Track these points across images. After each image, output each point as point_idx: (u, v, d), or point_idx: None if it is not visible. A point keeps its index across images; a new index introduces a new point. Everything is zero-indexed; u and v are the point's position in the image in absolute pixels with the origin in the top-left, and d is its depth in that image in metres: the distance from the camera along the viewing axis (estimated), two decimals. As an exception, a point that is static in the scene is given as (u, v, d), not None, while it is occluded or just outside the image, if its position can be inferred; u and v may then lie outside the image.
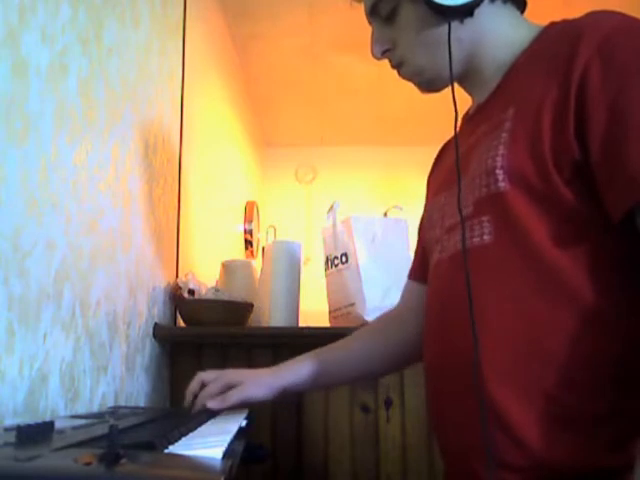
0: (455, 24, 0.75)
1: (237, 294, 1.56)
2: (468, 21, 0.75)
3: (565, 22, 0.73)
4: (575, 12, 0.71)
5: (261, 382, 0.95)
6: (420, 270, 0.93)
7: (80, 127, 0.99)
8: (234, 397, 0.92)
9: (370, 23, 0.84)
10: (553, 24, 0.75)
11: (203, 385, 0.95)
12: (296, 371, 0.97)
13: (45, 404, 0.85)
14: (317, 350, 1.00)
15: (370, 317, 1.50)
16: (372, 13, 0.82)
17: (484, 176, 0.71)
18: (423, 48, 0.78)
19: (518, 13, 0.80)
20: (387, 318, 1.02)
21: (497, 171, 0.69)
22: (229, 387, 0.93)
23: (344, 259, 1.58)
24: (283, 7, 2.40)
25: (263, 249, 1.86)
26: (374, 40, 0.82)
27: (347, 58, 2.62)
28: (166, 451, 0.50)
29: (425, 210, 0.91)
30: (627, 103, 0.62)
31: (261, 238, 3.06)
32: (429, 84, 0.83)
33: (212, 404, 0.90)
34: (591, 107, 0.63)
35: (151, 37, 1.43)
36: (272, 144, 3.72)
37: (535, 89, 0.69)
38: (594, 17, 0.68)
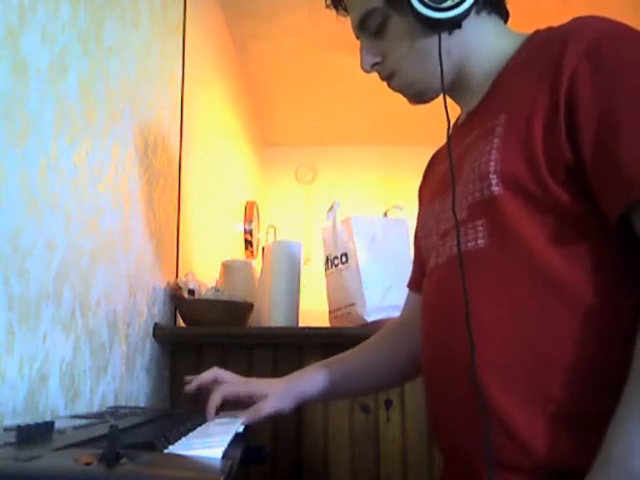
0: (444, 36, 0.76)
1: (237, 294, 1.56)
2: (456, 33, 0.77)
3: (550, 29, 0.74)
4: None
5: (282, 393, 0.93)
6: (420, 280, 0.93)
7: (80, 127, 0.99)
8: (267, 409, 0.90)
9: (358, 37, 0.85)
10: (538, 32, 0.77)
11: (216, 381, 0.93)
12: (311, 380, 0.96)
13: (45, 404, 0.85)
14: (328, 360, 0.99)
15: (370, 317, 1.51)
16: (360, 27, 0.83)
17: (478, 181, 0.71)
18: (413, 60, 0.80)
19: (502, 23, 0.82)
20: (394, 329, 1.01)
21: (491, 176, 0.70)
22: (249, 397, 0.92)
23: (344, 259, 1.58)
24: (283, 7, 2.40)
25: (263, 249, 1.86)
26: (363, 53, 0.84)
27: (347, 58, 2.62)
28: (166, 451, 0.50)
29: (419, 219, 0.92)
30: (617, 106, 0.62)
31: (261, 238, 3.06)
32: (419, 95, 0.84)
33: (245, 419, 0.87)
34: (582, 111, 0.64)
35: (151, 37, 1.43)
36: (272, 144, 3.72)
37: (525, 95, 0.70)
38: (580, 22, 0.70)
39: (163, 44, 1.54)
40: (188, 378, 0.95)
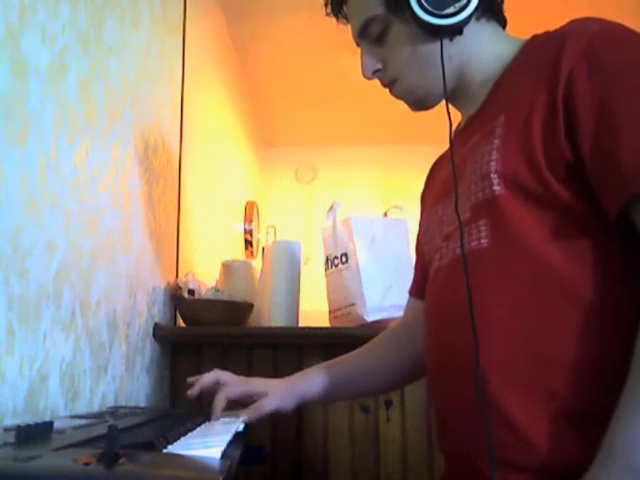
0: (445, 42, 0.77)
1: (237, 294, 1.56)
2: (457, 39, 0.78)
3: (548, 33, 0.75)
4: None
5: (283, 392, 0.94)
6: (421, 287, 0.93)
7: (80, 127, 0.99)
8: (268, 407, 0.91)
9: (358, 44, 0.86)
10: (535, 36, 0.78)
11: (217, 383, 0.94)
12: (312, 381, 0.96)
13: (45, 404, 0.85)
14: (330, 362, 1.00)
15: (370, 317, 1.50)
16: (361, 35, 0.83)
17: (479, 182, 0.72)
18: (415, 67, 0.81)
19: (501, 29, 0.83)
20: (396, 331, 1.02)
21: (492, 175, 0.71)
22: (250, 396, 0.93)
23: (344, 259, 1.58)
24: (283, 7, 2.40)
25: (263, 249, 1.86)
26: (364, 61, 0.84)
27: (347, 58, 2.62)
28: (165, 451, 0.50)
29: (421, 225, 0.93)
30: (615, 106, 0.63)
31: (261, 238, 3.06)
32: (420, 102, 0.85)
33: (247, 417, 0.88)
34: (580, 110, 0.65)
35: (151, 37, 1.43)
36: (272, 144, 3.72)
37: (524, 96, 0.71)
38: (577, 24, 0.71)
39: (163, 44, 1.54)
40: (190, 380, 0.96)
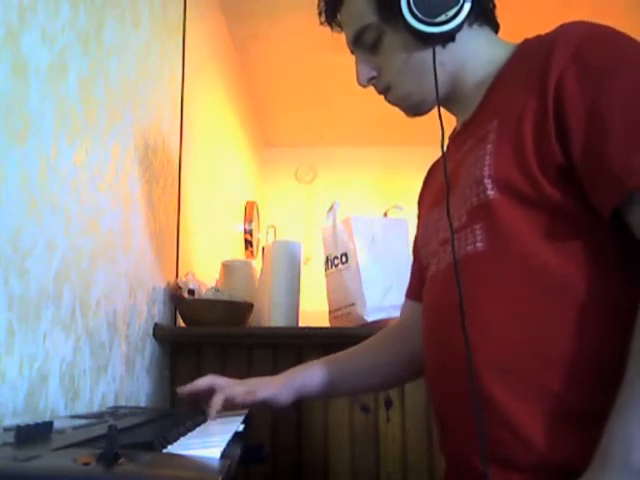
0: (438, 49, 0.78)
1: (237, 294, 1.56)
2: (450, 45, 0.79)
3: (539, 37, 0.76)
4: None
5: (280, 383, 0.96)
6: (418, 290, 0.94)
7: (80, 127, 0.99)
8: (261, 393, 0.93)
9: (352, 52, 0.86)
10: (527, 40, 0.79)
11: (210, 389, 0.94)
12: (310, 375, 0.98)
13: (45, 404, 0.85)
14: (327, 358, 1.01)
15: (370, 317, 1.51)
16: (355, 43, 0.84)
17: (474, 186, 0.73)
18: (408, 74, 0.82)
19: (493, 34, 0.84)
20: (392, 332, 1.03)
21: (485, 180, 0.71)
22: (248, 394, 0.94)
23: (344, 259, 1.58)
24: (283, 7, 2.40)
25: (263, 249, 1.86)
26: (359, 68, 0.85)
27: (347, 58, 2.62)
28: (164, 451, 0.50)
29: (418, 228, 0.94)
30: (604, 106, 0.64)
31: (261, 238, 3.06)
32: (415, 108, 0.86)
33: (242, 397, 0.91)
34: (570, 112, 0.66)
35: (151, 37, 1.43)
36: (272, 144, 3.72)
37: (515, 101, 0.72)
38: (565, 28, 0.72)
39: (163, 44, 1.54)
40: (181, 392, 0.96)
